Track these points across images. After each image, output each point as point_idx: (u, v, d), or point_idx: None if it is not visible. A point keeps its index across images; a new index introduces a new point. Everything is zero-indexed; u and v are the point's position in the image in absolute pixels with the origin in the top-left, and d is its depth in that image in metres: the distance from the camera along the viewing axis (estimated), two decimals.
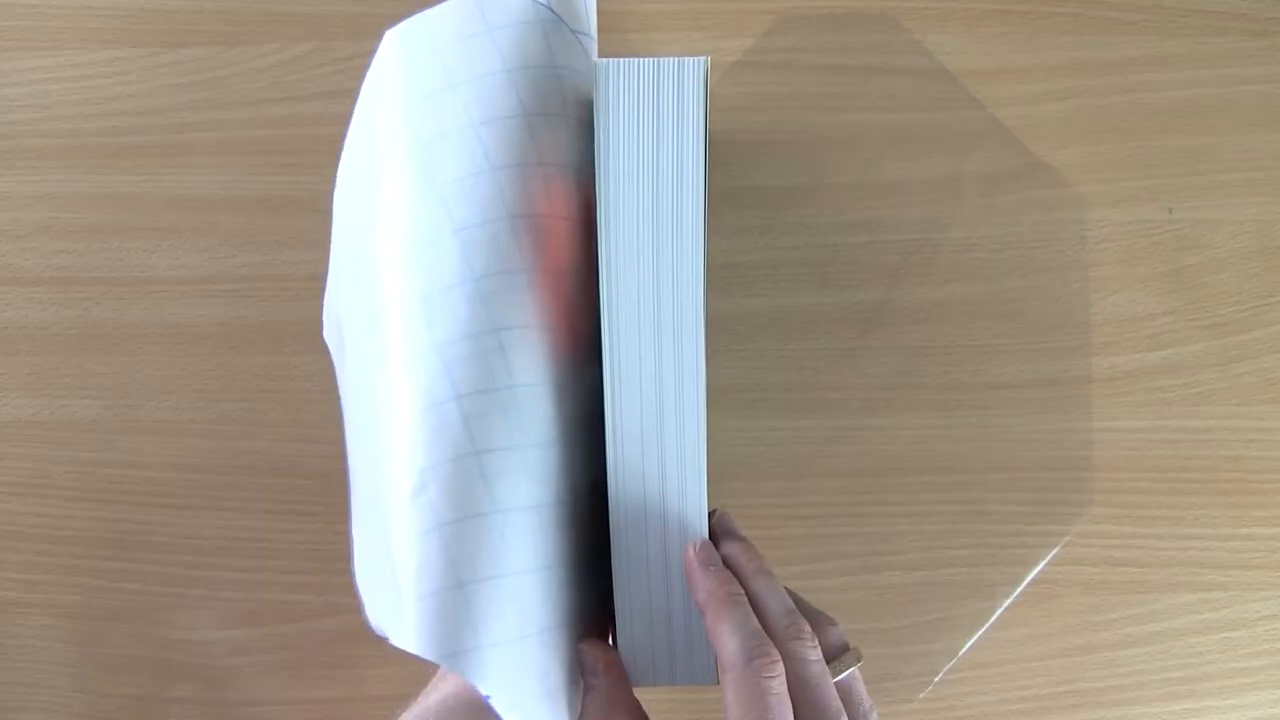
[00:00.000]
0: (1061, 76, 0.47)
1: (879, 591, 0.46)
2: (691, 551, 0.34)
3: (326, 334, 0.39)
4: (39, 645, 0.47)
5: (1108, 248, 0.47)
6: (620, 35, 0.47)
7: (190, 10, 0.47)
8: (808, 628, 0.32)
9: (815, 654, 0.32)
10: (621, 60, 0.33)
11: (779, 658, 0.31)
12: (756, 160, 0.47)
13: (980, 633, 0.47)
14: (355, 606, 0.47)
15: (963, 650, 0.47)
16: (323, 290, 0.40)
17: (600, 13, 0.46)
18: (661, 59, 0.33)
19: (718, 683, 0.34)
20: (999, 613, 0.46)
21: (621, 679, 0.34)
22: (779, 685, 0.30)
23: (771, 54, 0.47)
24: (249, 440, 0.47)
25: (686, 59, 0.33)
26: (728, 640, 0.31)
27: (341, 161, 0.39)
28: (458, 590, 0.32)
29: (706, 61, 0.34)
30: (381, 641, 0.46)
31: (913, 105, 0.47)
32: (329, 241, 0.39)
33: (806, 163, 0.47)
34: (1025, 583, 0.46)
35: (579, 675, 0.34)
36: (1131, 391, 0.47)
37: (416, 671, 0.47)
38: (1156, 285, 0.47)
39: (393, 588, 0.32)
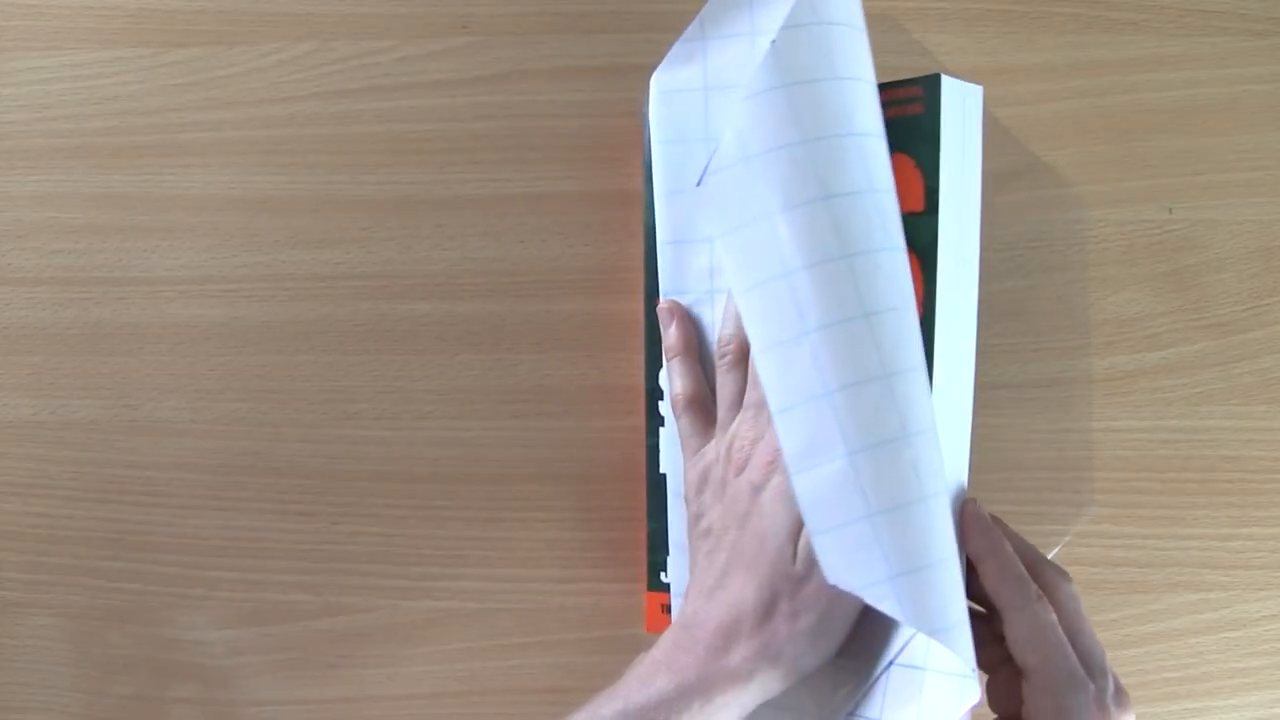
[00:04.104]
0: (1061, 76, 0.47)
1: None
2: (972, 506, 0.38)
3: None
4: (39, 645, 0.47)
5: (1108, 248, 0.47)
6: (621, 35, 0.47)
7: (190, 10, 0.47)
8: (1067, 573, 0.38)
9: (1076, 591, 0.37)
10: (955, 80, 0.39)
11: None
12: None
13: None
14: (355, 606, 0.47)
15: None
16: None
17: (601, 13, 0.47)
18: (967, 83, 0.40)
19: None
20: None
21: None
22: (1056, 618, 0.35)
23: None
24: (249, 440, 0.47)
25: (968, 84, 0.40)
26: (1010, 583, 0.36)
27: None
28: (940, 566, 0.34)
29: (982, 91, 0.41)
30: (381, 641, 0.47)
31: None
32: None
33: None
34: None
35: None
36: (1131, 391, 0.47)
37: (417, 672, 0.47)
38: (1156, 285, 0.47)
39: (873, 549, 0.33)
